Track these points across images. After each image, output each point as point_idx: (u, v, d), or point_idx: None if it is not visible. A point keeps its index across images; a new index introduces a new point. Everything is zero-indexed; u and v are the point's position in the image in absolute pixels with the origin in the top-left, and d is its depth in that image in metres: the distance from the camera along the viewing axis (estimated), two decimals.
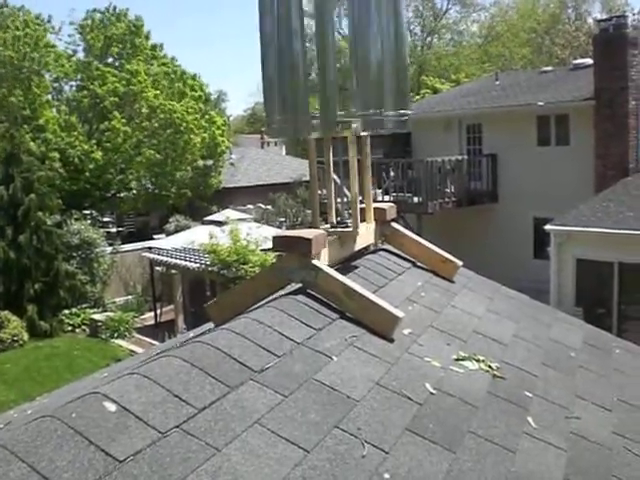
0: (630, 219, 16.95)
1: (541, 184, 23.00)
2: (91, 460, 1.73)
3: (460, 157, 25.07)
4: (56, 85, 31.73)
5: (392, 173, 23.89)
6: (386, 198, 22.54)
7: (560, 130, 23.36)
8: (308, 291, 3.12)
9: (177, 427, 1.96)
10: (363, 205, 3.80)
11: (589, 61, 24.92)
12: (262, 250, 18.42)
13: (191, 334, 4.13)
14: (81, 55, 32.43)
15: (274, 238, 3.19)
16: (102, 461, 1.74)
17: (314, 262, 3.08)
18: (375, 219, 3.94)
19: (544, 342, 3.77)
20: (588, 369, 3.61)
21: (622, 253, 16.75)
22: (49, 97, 30.95)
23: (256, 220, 24.40)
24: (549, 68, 29.81)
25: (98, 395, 1.98)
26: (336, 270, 3.21)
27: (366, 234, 3.80)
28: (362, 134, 3.58)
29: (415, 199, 23.36)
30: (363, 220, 3.77)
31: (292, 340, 2.69)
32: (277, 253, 3.33)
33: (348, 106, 3.42)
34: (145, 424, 1.92)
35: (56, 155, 27.63)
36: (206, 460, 1.88)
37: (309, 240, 3.04)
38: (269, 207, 29.04)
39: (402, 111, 3.42)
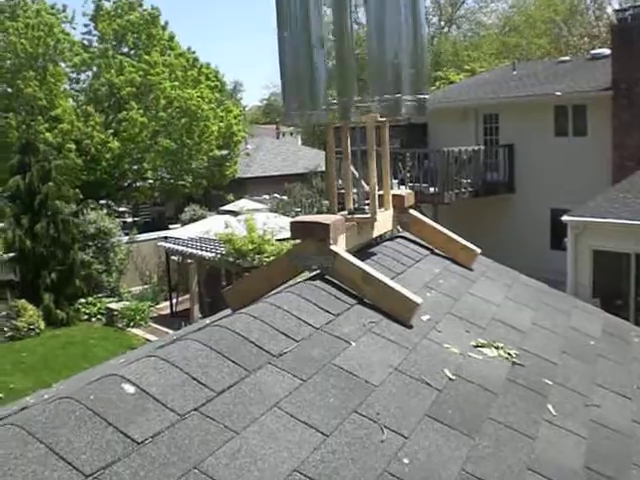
0: None
1: (558, 175, 22.88)
2: (109, 441, 1.72)
3: (477, 147, 24.94)
4: (73, 75, 31.73)
5: (409, 163, 23.79)
6: (402, 188, 22.47)
7: (577, 120, 23.20)
8: (326, 277, 3.10)
9: (196, 410, 1.96)
10: (381, 192, 3.78)
11: (607, 51, 24.73)
12: (278, 240, 18.42)
13: (207, 321, 4.12)
14: (96, 45, 32.40)
15: (292, 223, 3.16)
16: (121, 442, 1.73)
17: (332, 248, 3.06)
18: (393, 206, 3.91)
19: (563, 330, 3.74)
20: (607, 357, 3.58)
21: (639, 244, 16.64)
22: (66, 87, 30.97)
23: (272, 210, 24.37)
24: (566, 58, 29.56)
25: (116, 377, 1.97)
26: (354, 256, 3.19)
27: (384, 221, 3.78)
28: (380, 120, 3.55)
29: (431, 189, 23.25)
30: (381, 207, 3.75)
31: (310, 325, 2.68)
32: (294, 241, 3.31)
33: (366, 93, 3.39)
34: (164, 406, 1.91)
35: (72, 146, 27.69)
36: (225, 443, 1.87)
37: (327, 225, 3.02)
38: (284, 197, 29.00)
39: (420, 96, 3.39)
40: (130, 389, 1.93)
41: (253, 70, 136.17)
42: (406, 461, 2.09)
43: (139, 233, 27.04)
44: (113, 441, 1.73)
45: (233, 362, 2.24)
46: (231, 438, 1.90)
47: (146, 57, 30.04)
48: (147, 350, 3.58)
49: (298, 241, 3.20)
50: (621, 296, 17.50)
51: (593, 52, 27.77)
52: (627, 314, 16.38)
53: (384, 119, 3.58)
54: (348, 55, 3.26)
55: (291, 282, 3.19)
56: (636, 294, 17.38)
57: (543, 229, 23.52)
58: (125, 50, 32.30)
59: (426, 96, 3.48)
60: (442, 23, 58.28)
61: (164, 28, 32.70)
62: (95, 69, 30.98)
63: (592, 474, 2.43)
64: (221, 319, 2.71)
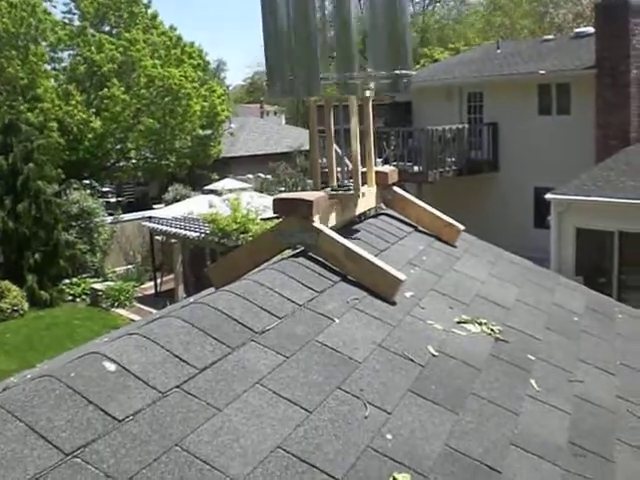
0: (631, 188, 16.85)
1: (542, 153, 22.89)
2: (90, 419, 1.70)
3: (461, 126, 24.91)
4: (53, 54, 31.37)
5: (393, 142, 23.73)
6: (386, 167, 22.41)
7: (561, 99, 23.21)
8: (309, 254, 3.08)
9: (177, 387, 1.94)
10: (365, 169, 3.76)
11: (591, 30, 24.69)
12: (262, 219, 18.39)
13: (191, 299, 4.10)
14: (77, 24, 32.01)
15: (274, 200, 3.13)
16: (101, 420, 1.71)
17: (315, 224, 3.04)
18: (377, 183, 3.90)
19: (547, 306, 3.74)
20: (591, 333, 3.59)
21: (622, 222, 16.69)
22: (47, 66, 30.63)
23: (256, 189, 24.31)
24: (551, 37, 29.48)
25: (97, 355, 1.95)
26: (337, 233, 3.17)
27: (367, 198, 3.76)
28: (366, 95, 3.51)
29: (415, 168, 23.21)
30: (364, 184, 3.73)
31: (293, 302, 2.66)
32: (278, 220, 3.27)
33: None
34: (145, 384, 1.89)
35: (54, 125, 27.42)
36: (207, 420, 1.86)
37: (310, 202, 3.00)
38: (269, 176, 28.92)
39: (405, 72, 3.37)
40: (111, 367, 1.91)
41: (238, 47, 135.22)
42: (389, 437, 2.08)
43: (123, 213, 26.93)
44: (93, 419, 1.71)
45: (215, 339, 2.23)
46: (213, 415, 1.89)
47: (126, 34, 29.72)
48: (129, 329, 3.56)
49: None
50: (604, 274, 17.57)
51: (577, 30, 27.69)
52: (610, 292, 16.44)
53: (368, 96, 3.54)
54: (349, 28, 3.20)
55: (275, 259, 3.17)
56: (619, 272, 17.46)
57: (527, 207, 23.57)
58: (107, 29, 31.96)
59: (412, 73, 3.46)
60: (427, 1, 58.05)
61: (147, 6, 32.39)
62: (75, 47, 30.64)
63: (576, 449, 2.44)
64: (204, 297, 2.69)
